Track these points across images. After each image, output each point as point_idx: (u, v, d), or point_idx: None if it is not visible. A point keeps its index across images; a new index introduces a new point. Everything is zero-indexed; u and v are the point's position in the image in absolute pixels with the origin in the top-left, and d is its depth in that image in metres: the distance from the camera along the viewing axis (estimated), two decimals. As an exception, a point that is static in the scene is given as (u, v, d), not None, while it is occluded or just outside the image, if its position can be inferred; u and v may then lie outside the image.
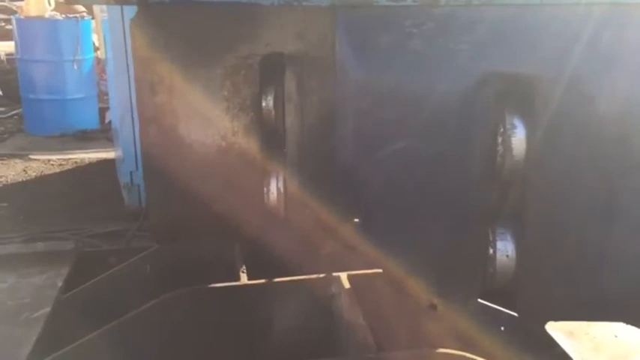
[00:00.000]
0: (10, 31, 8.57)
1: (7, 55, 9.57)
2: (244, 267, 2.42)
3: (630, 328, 1.99)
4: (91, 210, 4.99)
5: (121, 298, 2.28)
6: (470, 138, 1.95)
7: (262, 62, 2.34)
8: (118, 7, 4.30)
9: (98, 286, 2.44)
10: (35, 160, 6.55)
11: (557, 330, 1.97)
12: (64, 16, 7.47)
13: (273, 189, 2.43)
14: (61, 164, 6.44)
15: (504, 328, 2.05)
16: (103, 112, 7.77)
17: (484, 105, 1.93)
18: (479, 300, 2.08)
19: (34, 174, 6.13)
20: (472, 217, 2.03)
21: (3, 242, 4.11)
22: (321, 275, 2.29)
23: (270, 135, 2.42)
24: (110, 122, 6.65)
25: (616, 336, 1.99)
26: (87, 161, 6.59)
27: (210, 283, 2.23)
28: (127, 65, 4.37)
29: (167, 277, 2.42)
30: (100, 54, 7.34)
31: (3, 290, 2.54)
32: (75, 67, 7.45)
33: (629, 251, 2.00)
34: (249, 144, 2.41)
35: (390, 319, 2.21)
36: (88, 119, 7.73)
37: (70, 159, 6.60)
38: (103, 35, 5.68)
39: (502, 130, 1.93)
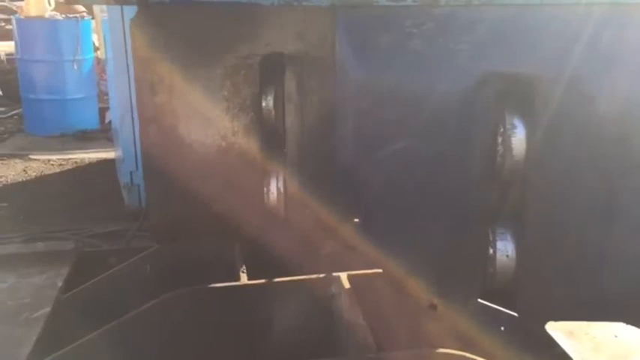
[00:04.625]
0: (10, 31, 8.57)
1: (7, 55, 9.57)
2: (244, 267, 2.42)
3: (630, 328, 1.99)
4: (91, 210, 4.99)
5: (121, 298, 2.28)
6: (470, 138, 1.95)
7: (262, 62, 2.34)
8: (118, 7, 4.30)
9: (98, 286, 2.44)
10: (35, 160, 6.55)
11: (557, 330, 1.97)
12: (64, 16, 7.47)
13: (273, 189, 2.43)
14: (61, 164, 6.44)
15: (504, 328, 2.05)
16: (103, 112, 7.77)
17: (484, 105, 1.93)
18: (479, 300, 2.08)
19: (34, 174, 6.13)
20: (472, 217, 2.03)
21: (3, 242, 4.11)
22: (321, 275, 2.29)
23: (270, 135, 2.42)
24: (110, 122, 6.65)
25: (616, 336, 1.99)
26: (87, 161, 6.59)
27: (210, 283, 2.23)
28: (127, 65, 4.37)
29: (167, 277, 2.42)
30: (100, 54, 7.34)
31: (3, 290, 2.54)
32: (75, 67, 7.45)
33: (629, 251, 2.00)
34: (249, 144, 2.41)
35: (390, 319, 2.21)
36: (88, 119, 7.73)
37: (70, 159, 6.60)
38: (103, 35, 5.68)
39: (502, 130, 1.93)
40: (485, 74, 1.91)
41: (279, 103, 2.37)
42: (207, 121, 2.39)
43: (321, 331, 2.21)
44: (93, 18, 7.38)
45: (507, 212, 2.05)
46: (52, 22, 7.42)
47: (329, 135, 2.22)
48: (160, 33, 2.26)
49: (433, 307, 2.11)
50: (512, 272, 2.02)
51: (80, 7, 7.83)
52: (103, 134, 7.43)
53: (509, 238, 2.02)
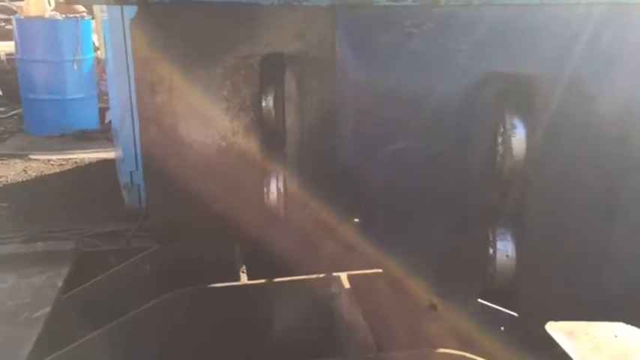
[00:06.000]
0: (10, 31, 8.57)
1: (7, 55, 9.57)
2: (244, 267, 2.42)
3: (630, 328, 1.99)
4: (91, 210, 4.99)
5: (121, 298, 2.28)
6: (470, 138, 1.95)
7: (262, 62, 2.34)
8: (118, 7, 4.30)
9: (98, 286, 2.44)
10: (35, 160, 6.55)
11: (557, 330, 1.97)
12: (64, 16, 7.47)
13: (273, 189, 2.43)
14: (61, 164, 6.44)
15: (504, 328, 2.05)
16: (103, 112, 7.77)
17: (484, 105, 1.93)
18: (479, 300, 2.08)
19: (34, 174, 6.13)
20: (472, 217, 2.03)
21: (3, 242, 4.11)
22: (321, 275, 2.29)
23: (270, 135, 2.42)
24: (110, 122, 6.65)
25: (616, 336, 1.99)
26: (87, 161, 6.59)
27: (210, 283, 2.23)
28: (127, 65, 4.37)
29: (167, 277, 2.42)
30: (100, 54, 7.34)
31: (3, 290, 2.53)
32: (75, 67, 7.45)
33: (629, 251, 2.00)
34: (249, 144, 2.41)
35: (390, 319, 2.21)
36: (88, 119, 7.73)
37: (70, 159, 6.60)
38: (103, 35, 5.68)
39: (502, 130, 1.93)
40: (485, 74, 1.91)
41: (279, 103, 2.37)
42: (207, 121, 2.38)
43: (321, 331, 2.21)
44: (93, 18, 7.38)
45: (507, 212, 2.05)
46: (52, 22, 7.42)
47: (329, 135, 2.22)
48: (160, 33, 2.26)
49: (433, 307, 2.10)
50: (512, 272, 2.02)
51: (80, 7, 7.83)
52: (103, 134, 7.42)
53: (509, 238, 2.02)
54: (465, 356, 1.80)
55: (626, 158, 1.92)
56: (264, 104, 2.38)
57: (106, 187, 5.43)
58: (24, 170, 6.21)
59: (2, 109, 8.84)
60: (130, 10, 2.40)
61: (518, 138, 1.91)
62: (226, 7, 2.21)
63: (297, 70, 2.33)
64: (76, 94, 7.62)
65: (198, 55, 2.32)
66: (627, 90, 1.89)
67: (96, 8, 6.42)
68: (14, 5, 11.38)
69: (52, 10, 7.55)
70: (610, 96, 1.88)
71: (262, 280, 2.28)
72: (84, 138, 7.38)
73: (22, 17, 7.75)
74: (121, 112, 4.73)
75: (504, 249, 2.01)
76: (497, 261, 2.01)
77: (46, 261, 2.72)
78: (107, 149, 6.68)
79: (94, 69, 7.87)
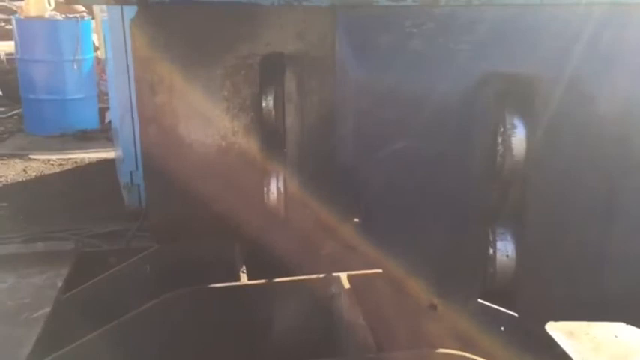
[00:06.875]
0: (10, 31, 8.57)
1: (7, 55, 9.57)
2: (244, 267, 2.42)
3: (630, 328, 1.99)
4: (91, 210, 4.99)
5: (121, 298, 2.28)
6: (470, 138, 1.95)
7: (262, 62, 2.34)
8: (118, 7, 4.30)
9: (98, 286, 2.44)
10: (35, 160, 6.55)
11: (557, 330, 1.97)
12: (64, 16, 7.47)
13: (273, 189, 2.43)
14: (61, 164, 6.44)
15: (504, 328, 2.05)
16: (103, 112, 7.77)
17: (484, 105, 1.93)
18: (479, 300, 2.08)
19: (34, 174, 6.13)
20: (472, 217, 2.03)
21: (3, 242, 4.11)
22: (321, 275, 2.29)
23: (270, 135, 2.42)
24: (110, 122, 6.65)
25: (616, 336, 1.99)
26: (87, 161, 6.59)
27: (210, 283, 2.23)
28: (127, 65, 4.37)
29: (167, 277, 2.42)
30: (100, 54, 7.34)
31: (3, 290, 2.54)
32: (75, 67, 7.45)
33: (629, 251, 2.00)
34: (249, 144, 2.41)
35: (390, 319, 2.21)
36: (88, 119, 7.73)
37: (70, 159, 6.60)
38: (103, 35, 5.68)
39: (502, 130, 1.93)
40: (485, 74, 1.91)
41: (279, 103, 2.37)
42: (207, 121, 2.39)
43: (321, 331, 2.21)
44: (93, 18, 7.38)
45: (507, 212, 2.05)
46: (52, 22, 7.42)
47: (329, 135, 2.22)
48: (160, 33, 2.27)
49: (433, 307, 2.11)
50: (512, 272, 2.02)
51: (80, 7, 7.83)
52: (103, 134, 7.43)
53: (509, 238, 2.02)
54: (465, 356, 1.80)
55: (626, 158, 1.92)
56: (264, 104, 2.38)
57: (106, 187, 5.43)
58: (24, 170, 6.21)
59: (2, 109, 8.84)
60: (130, 10, 2.40)
61: (518, 138, 1.91)
62: (226, 7, 2.21)
63: (297, 70, 2.33)
64: (76, 94, 7.62)
65: (198, 55, 2.32)
66: (627, 90, 1.89)
67: (96, 8, 6.42)
68: (14, 5, 11.38)
69: (52, 10, 7.55)
70: (610, 96, 1.88)
71: (262, 280, 2.28)
72: (84, 138, 7.39)
73: (22, 17, 7.75)
74: (121, 112, 4.73)
75: (504, 249, 2.01)
76: (497, 261, 2.01)
77: (46, 261, 2.72)
78: (107, 149, 6.68)
79: (94, 69, 7.87)
